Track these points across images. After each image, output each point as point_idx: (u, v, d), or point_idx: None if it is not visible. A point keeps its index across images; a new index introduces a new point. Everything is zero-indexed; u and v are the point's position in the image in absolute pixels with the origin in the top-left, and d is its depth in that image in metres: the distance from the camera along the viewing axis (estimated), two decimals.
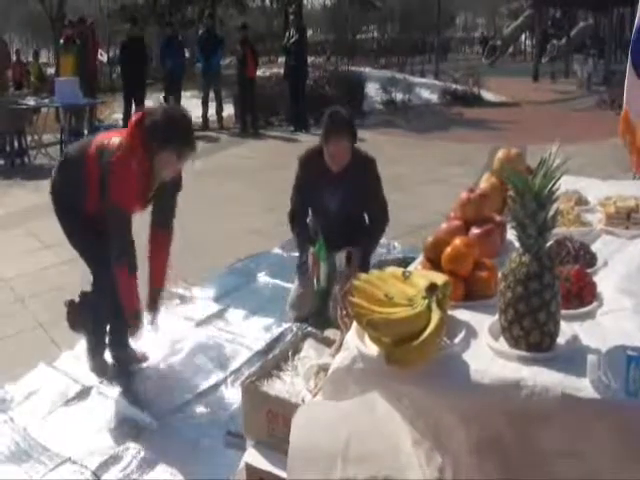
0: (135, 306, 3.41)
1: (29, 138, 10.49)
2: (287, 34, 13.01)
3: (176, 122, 3.24)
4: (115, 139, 3.30)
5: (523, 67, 28.54)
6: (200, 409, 3.36)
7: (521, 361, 1.64)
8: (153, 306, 3.63)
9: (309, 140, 11.20)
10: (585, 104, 15.48)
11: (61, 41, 11.99)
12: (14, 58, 16.32)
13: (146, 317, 3.56)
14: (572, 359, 1.63)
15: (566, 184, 1.74)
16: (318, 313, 3.79)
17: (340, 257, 3.92)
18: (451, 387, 1.64)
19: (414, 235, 5.56)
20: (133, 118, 3.34)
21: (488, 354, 1.71)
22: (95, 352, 3.72)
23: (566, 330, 1.74)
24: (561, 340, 1.70)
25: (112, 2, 29.99)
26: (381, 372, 1.71)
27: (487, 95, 16.93)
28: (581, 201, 2.95)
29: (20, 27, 41.92)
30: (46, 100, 10.73)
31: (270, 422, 2.46)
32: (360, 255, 3.88)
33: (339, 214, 3.95)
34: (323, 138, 3.82)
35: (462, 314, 1.93)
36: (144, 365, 3.75)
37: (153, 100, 12.63)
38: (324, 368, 2.58)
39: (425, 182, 8.08)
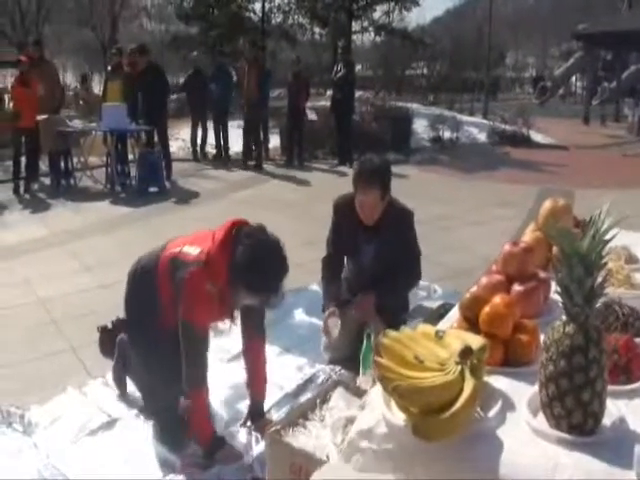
0: (209, 435, 3.07)
1: (75, 160, 10.64)
2: (335, 68, 13.04)
3: (267, 271, 2.86)
4: (189, 250, 2.98)
5: (573, 109, 28.26)
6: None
7: (561, 444, 1.50)
8: (257, 422, 3.29)
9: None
10: (636, 149, 15.16)
11: (109, 67, 11.94)
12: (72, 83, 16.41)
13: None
14: (617, 445, 1.49)
15: (614, 238, 1.60)
16: (352, 357, 3.68)
17: (376, 327, 3.71)
18: (482, 466, 1.51)
19: (456, 278, 5.44)
20: (221, 233, 2.92)
21: (525, 432, 1.57)
22: (121, 382, 3.71)
23: (612, 409, 1.59)
24: (606, 421, 1.56)
25: (165, 33, 30.14)
26: (406, 442, 1.60)
27: (536, 136, 16.67)
28: (631, 259, 2.79)
29: (73, 52, 42.98)
30: (93, 124, 10.90)
31: (293, 474, 2.40)
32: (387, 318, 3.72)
33: (372, 266, 3.87)
34: (353, 186, 3.71)
35: (499, 381, 1.80)
36: None
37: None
38: (352, 421, 2.49)
39: (470, 223, 7.93)
